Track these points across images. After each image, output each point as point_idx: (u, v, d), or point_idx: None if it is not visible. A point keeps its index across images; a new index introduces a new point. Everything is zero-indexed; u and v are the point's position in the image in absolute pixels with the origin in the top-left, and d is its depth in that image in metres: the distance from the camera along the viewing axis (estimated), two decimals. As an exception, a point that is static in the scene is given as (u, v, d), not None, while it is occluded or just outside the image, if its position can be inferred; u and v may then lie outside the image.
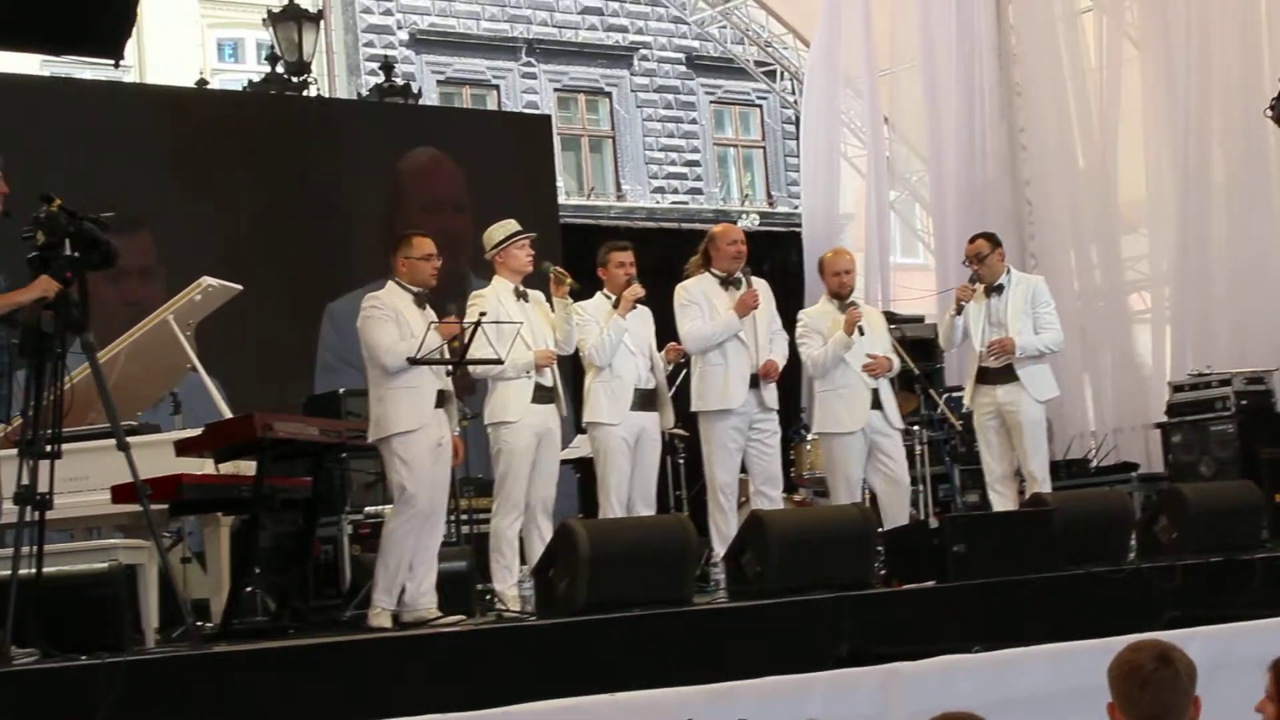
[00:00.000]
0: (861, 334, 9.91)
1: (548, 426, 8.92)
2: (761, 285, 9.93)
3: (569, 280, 8.98)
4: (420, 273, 8.37)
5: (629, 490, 9.31)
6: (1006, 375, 10.28)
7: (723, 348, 9.64)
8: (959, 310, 10.41)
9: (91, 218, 6.67)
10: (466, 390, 9.03)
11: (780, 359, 9.76)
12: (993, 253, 10.44)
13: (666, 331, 9.75)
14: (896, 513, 9.87)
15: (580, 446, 10.94)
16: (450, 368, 8.36)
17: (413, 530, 8.10)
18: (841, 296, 10.10)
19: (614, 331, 9.29)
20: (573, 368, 10.08)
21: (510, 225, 9.11)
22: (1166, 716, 4.27)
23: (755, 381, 9.63)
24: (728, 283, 9.74)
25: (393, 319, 8.19)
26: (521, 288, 9.01)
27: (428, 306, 8.36)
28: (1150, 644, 4.42)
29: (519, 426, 8.79)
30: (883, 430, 9.98)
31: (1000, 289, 10.39)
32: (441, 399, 8.28)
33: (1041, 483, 10.17)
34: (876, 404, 9.98)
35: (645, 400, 9.40)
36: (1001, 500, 10.35)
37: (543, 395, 8.90)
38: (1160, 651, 4.35)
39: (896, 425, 10.10)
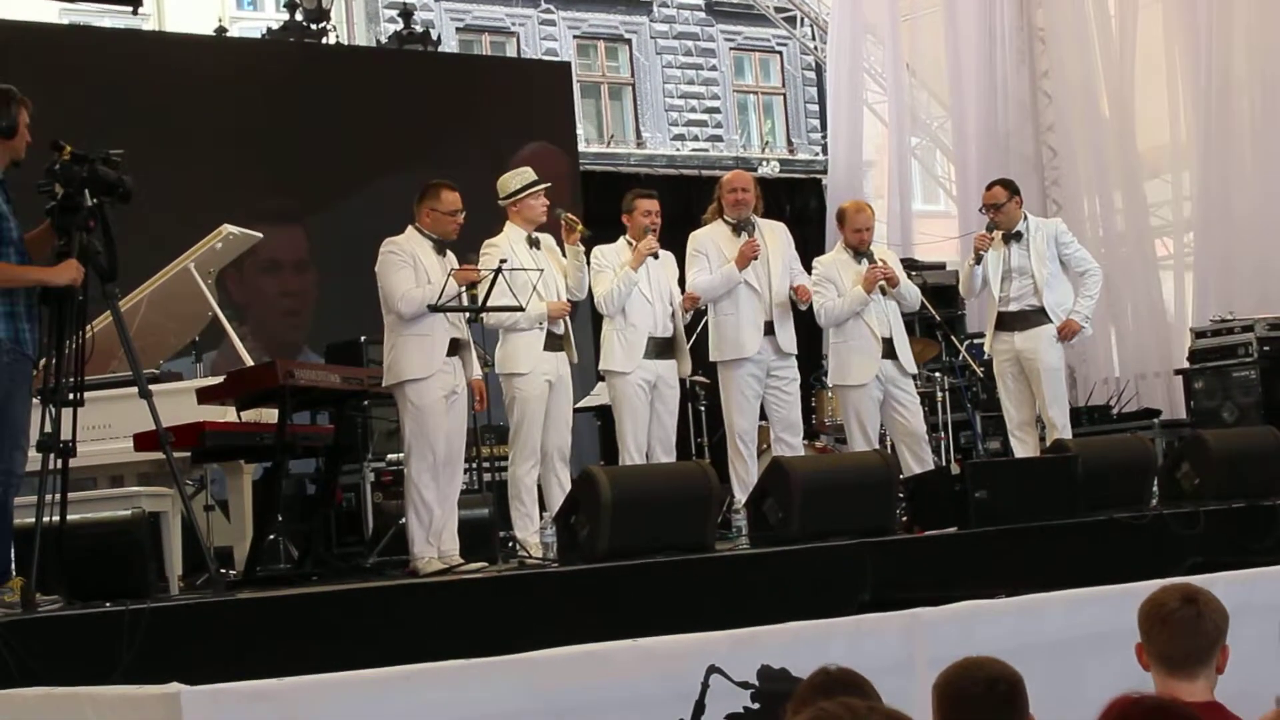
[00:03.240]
0: (884, 294, 9.89)
1: (559, 373, 8.94)
2: (778, 228, 9.93)
3: (580, 227, 8.97)
4: (444, 226, 8.36)
5: (647, 438, 9.32)
6: (1027, 320, 10.25)
7: (734, 296, 9.63)
8: (978, 260, 10.37)
9: (101, 157, 6.65)
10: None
11: (809, 284, 9.76)
12: (1009, 200, 10.39)
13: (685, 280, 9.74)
14: (915, 460, 9.86)
15: (601, 394, 10.95)
16: (468, 315, 8.37)
17: (431, 478, 8.11)
18: (858, 250, 10.06)
19: (625, 283, 9.27)
20: (593, 315, 10.07)
21: (527, 174, 9.10)
22: (1186, 659, 4.25)
23: (770, 328, 9.63)
24: (739, 229, 9.72)
25: (410, 264, 8.18)
26: (534, 235, 9.01)
27: (448, 253, 8.36)
28: (1181, 585, 4.41)
29: (531, 375, 8.81)
30: (896, 380, 9.94)
31: (1019, 236, 10.35)
32: (456, 347, 8.29)
33: (1061, 429, 10.16)
34: (890, 353, 9.95)
35: (662, 348, 9.40)
36: (1022, 447, 10.33)
37: (553, 343, 8.92)
38: (1187, 593, 4.34)
39: (910, 371, 10.06)
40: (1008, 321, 10.35)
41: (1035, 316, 10.24)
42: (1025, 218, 10.49)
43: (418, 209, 8.42)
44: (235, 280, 12.55)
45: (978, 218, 11.34)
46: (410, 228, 8.40)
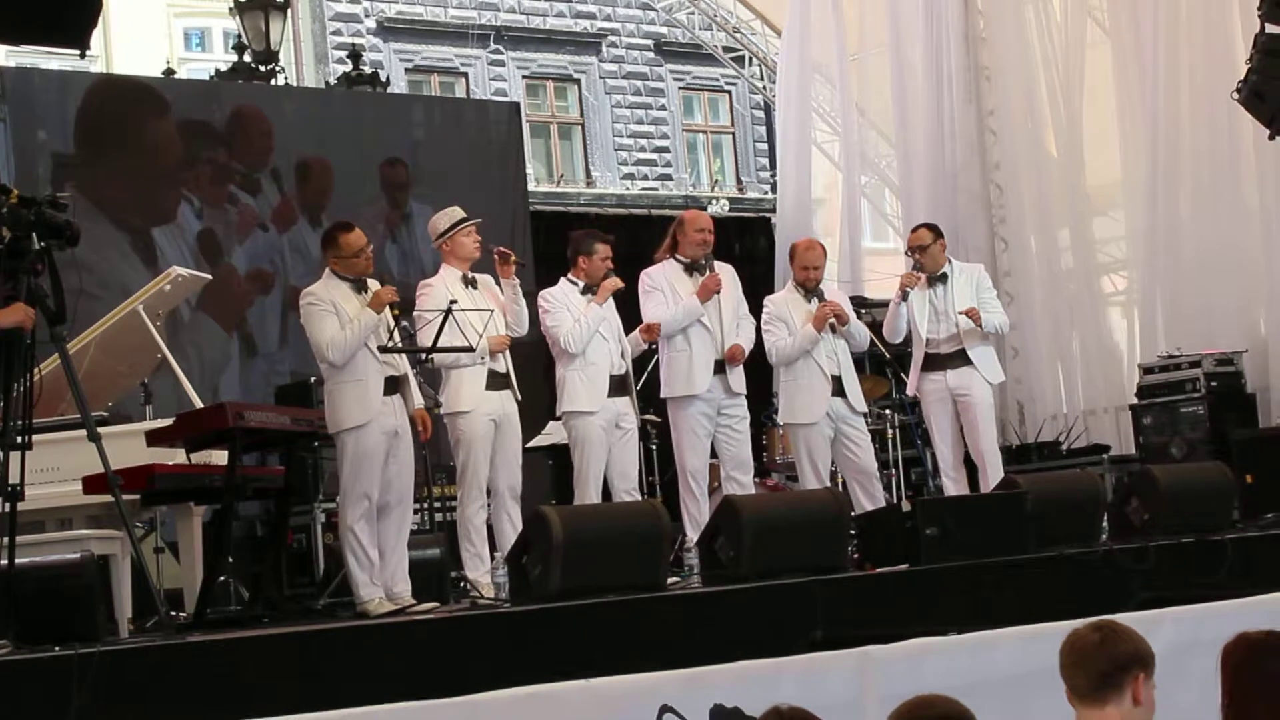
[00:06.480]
0: (834, 332, 9.92)
1: (504, 412, 8.92)
2: (727, 270, 9.93)
3: (514, 258, 8.97)
4: (354, 267, 8.31)
5: (606, 477, 9.31)
6: (959, 359, 10.32)
7: (687, 334, 9.64)
8: (904, 297, 10.43)
9: (48, 199, 6.64)
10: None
11: (746, 344, 9.77)
12: (934, 243, 10.51)
13: (633, 318, 9.74)
14: (866, 497, 9.87)
15: (553, 434, 10.93)
16: (422, 356, 8.36)
17: (366, 523, 8.08)
18: (807, 288, 10.10)
19: (592, 320, 9.27)
20: (544, 357, 10.05)
21: (455, 213, 9.10)
22: (1090, 686, 4.21)
23: (721, 367, 9.64)
24: (692, 268, 9.74)
25: (332, 311, 8.13)
26: (470, 275, 9.00)
27: (367, 289, 8.31)
28: (1094, 620, 4.40)
29: (474, 415, 8.81)
30: (846, 417, 9.97)
31: (944, 278, 10.44)
32: (395, 384, 8.27)
33: (995, 466, 10.23)
34: (840, 391, 9.97)
35: (618, 385, 9.40)
36: (955, 487, 10.40)
37: (496, 382, 8.91)
38: (1096, 624, 4.32)
39: (860, 409, 10.09)
40: (939, 362, 10.41)
41: (966, 356, 10.31)
42: (949, 261, 10.58)
43: (326, 257, 8.42)
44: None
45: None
46: (325, 273, 8.37)
